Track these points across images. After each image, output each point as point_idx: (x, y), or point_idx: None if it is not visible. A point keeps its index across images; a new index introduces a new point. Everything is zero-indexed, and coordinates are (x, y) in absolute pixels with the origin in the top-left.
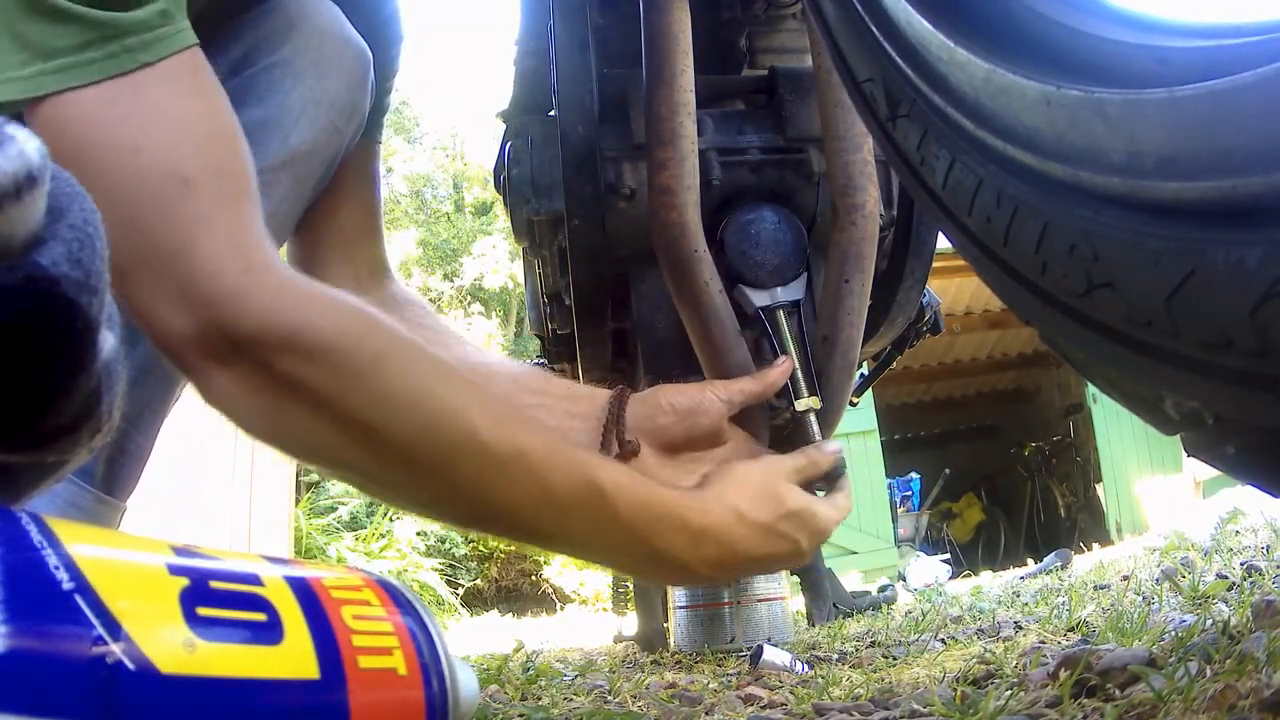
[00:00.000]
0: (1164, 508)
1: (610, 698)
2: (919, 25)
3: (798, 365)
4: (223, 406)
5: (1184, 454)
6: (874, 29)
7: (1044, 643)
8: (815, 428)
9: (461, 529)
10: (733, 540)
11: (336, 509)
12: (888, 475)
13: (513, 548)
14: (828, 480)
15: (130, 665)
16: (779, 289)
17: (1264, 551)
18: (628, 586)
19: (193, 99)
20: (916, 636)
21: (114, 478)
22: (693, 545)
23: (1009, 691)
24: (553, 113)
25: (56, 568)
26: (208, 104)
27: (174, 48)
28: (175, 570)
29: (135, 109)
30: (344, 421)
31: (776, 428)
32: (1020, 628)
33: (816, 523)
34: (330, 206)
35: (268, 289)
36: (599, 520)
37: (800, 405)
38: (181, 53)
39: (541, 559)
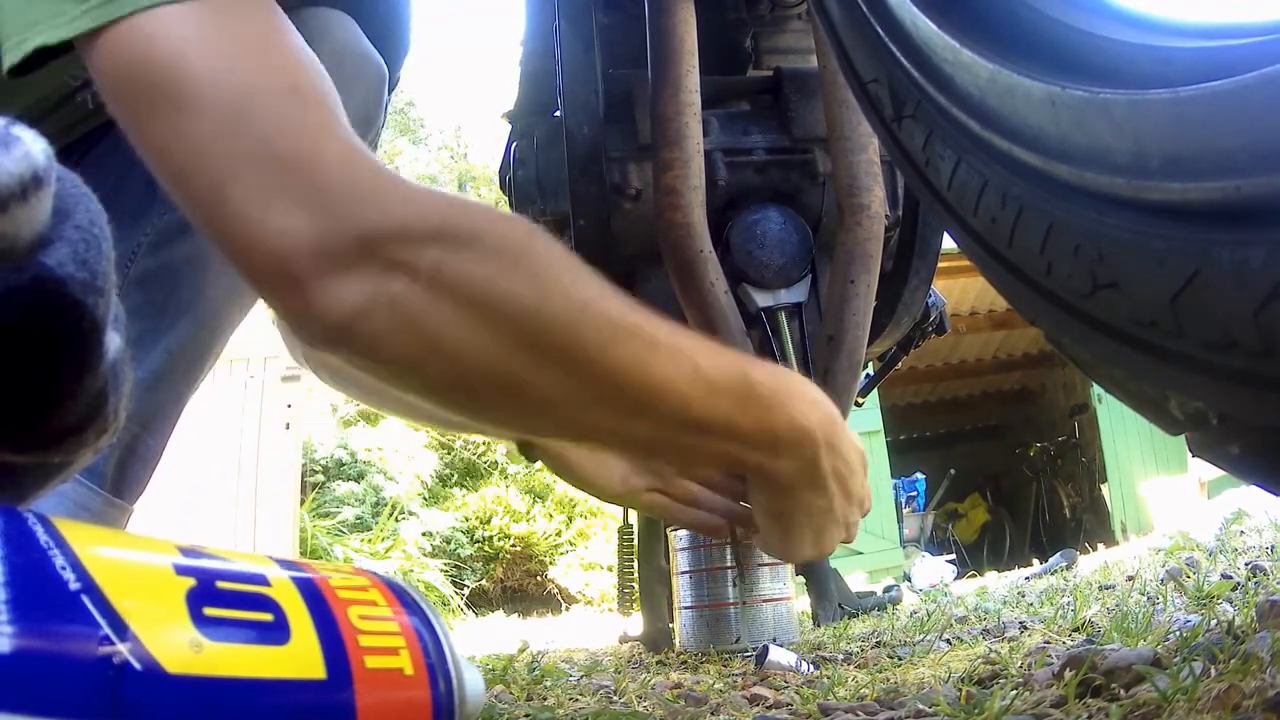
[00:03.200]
0: (1169, 508)
1: (616, 698)
2: (924, 26)
3: (797, 370)
4: (358, 328)
5: (1189, 454)
6: (879, 29)
7: (1049, 643)
8: None
9: (609, 440)
10: (839, 427)
11: (342, 510)
12: (893, 475)
13: (518, 548)
14: None
15: (137, 665)
16: (782, 290)
17: (1269, 551)
18: (633, 587)
19: (279, 22)
20: (922, 637)
21: (123, 480)
22: (819, 419)
23: (1014, 691)
24: (558, 113)
25: (63, 568)
26: (291, 32)
27: None
28: (182, 570)
29: (228, 22)
30: (502, 311)
31: None
32: (1025, 628)
33: (855, 480)
34: None
35: (405, 186)
36: (745, 399)
37: None
38: None
39: (546, 559)
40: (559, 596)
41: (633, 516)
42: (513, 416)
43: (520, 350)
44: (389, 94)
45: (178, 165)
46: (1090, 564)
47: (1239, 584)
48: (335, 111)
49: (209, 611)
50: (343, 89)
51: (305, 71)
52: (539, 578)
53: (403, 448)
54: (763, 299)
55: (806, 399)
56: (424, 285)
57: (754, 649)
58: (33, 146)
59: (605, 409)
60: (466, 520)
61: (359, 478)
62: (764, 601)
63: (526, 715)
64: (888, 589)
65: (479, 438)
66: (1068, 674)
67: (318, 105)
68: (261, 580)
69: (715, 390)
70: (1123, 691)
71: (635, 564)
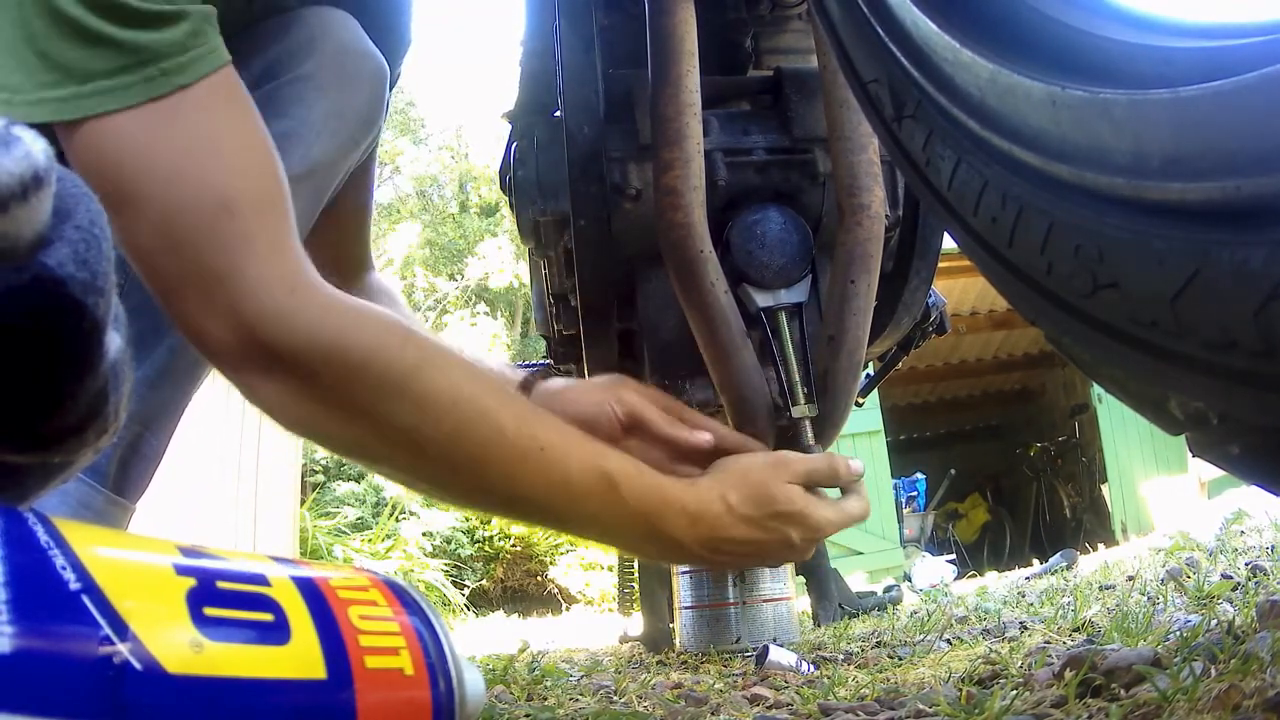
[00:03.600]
0: (1169, 508)
1: (616, 698)
2: (924, 26)
3: (796, 371)
4: (269, 412)
5: (1189, 454)
6: (879, 29)
7: (1049, 643)
8: (809, 435)
9: (489, 515)
10: (722, 526)
11: (342, 510)
12: (893, 475)
13: (518, 548)
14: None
15: (137, 665)
16: (783, 290)
17: (1269, 552)
18: (633, 587)
19: (229, 120)
20: (922, 637)
21: (126, 479)
22: (689, 526)
23: (1014, 691)
24: (558, 113)
25: (64, 568)
26: (243, 124)
27: (207, 69)
28: (182, 570)
29: (173, 133)
30: (385, 426)
31: (781, 429)
32: (1025, 628)
33: (809, 523)
34: (332, 214)
35: (313, 308)
36: (608, 505)
37: (796, 413)
38: (215, 73)
39: (547, 560)
40: (559, 597)
41: None
42: (405, 486)
43: (399, 451)
44: (390, 90)
45: (133, 258)
46: (1090, 564)
47: (1239, 584)
48: (267, 218)
49: (209, 611)
50: (345, 87)
51: (245, 177)
52: (539, 578)
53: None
54: (763, 299)
55: (678, 511)
56: (320, 397)
57: (754, 649)
58: (33, 146)
59: (481, 503)
60: (467, 520)
61: (359, 478)
62: (764, 601)
63: (527, 715)
64: (888, 589)
65: None
66: (1068, 674)
67: (250, 219)
68: (262, 580)
69: (578, 498)
70: (1123, 691)
71: (635, 564)
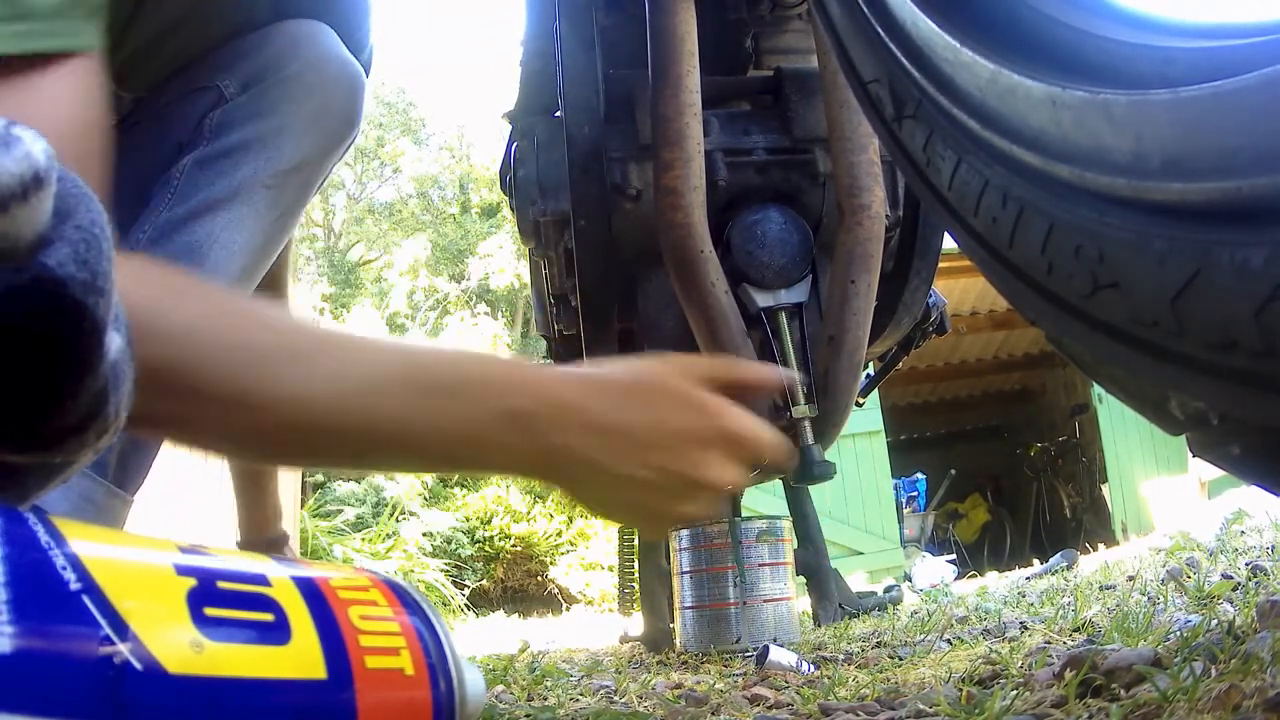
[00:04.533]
0: (1169, 508)
1: (616, 698)
2: (925, 26)
3: (796, 372)
4: None
5: (1189, 454)
6: (880, 30)
7: (1049, 643)
8: (810, 435)
9: (280, 462)
10: (582, 399)
11: (343, 510)
12: (893, 475)
13: (519, 548)
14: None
15: (137, 665)
16: (783, 290)
17: (1269, 552)
18: (633, 587)
19: (70, 95)
20: (922, 637)
21: (126, 471)
22: (534, 398)
23: (1014, 692)
24: (559, 114)
25: (64, 568)
26: (83, 105)
27: (67, 46)
28: (182, 570)
29: (10, 92)
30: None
31: (781, 429)
32: (1026, 628)
33: (709, 405)
34: None
35: None
36: (417, 392)
37: (796, 413)
38: (75, 55)
39: (547, 560)
40: (559, 597)
41: None
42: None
43: (157, 399)
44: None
45: None
46: (1091, 564)
47: (1239, 584)
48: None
49: (210, 611)
50: (329, 87)
51: (63, 142)
52: (539, 578)
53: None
54: (763, 299)
55: (515, 379)
56: None
57: (755, 649)
58: (33, 146)
59: (263, 441)
60: (467, 520)
61: (359, 478)
62: (765, 602)
63: (527, 715)
64: (888, 589)
65: None
66: (1068, 674)
67: None
68: (262, 580)
69: (374, 389)
70: (1123, 691)
71: (636, 564)
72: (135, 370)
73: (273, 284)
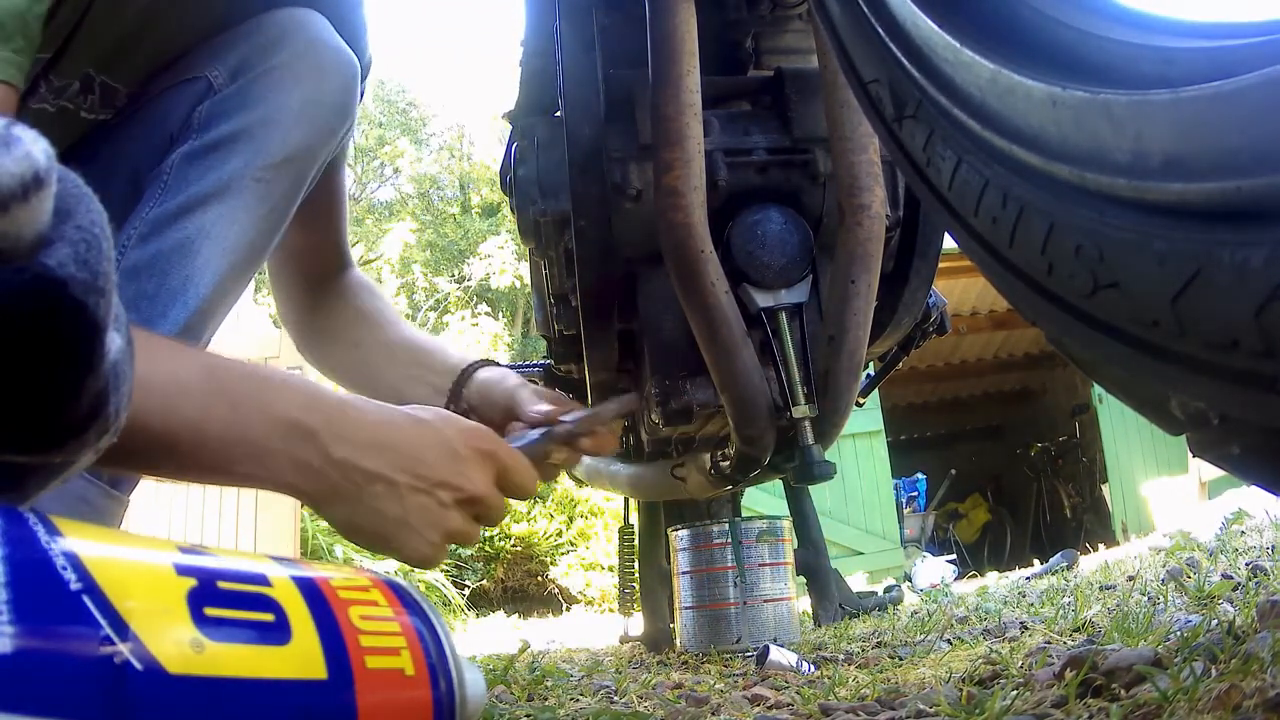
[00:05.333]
0: (1169, 508)
1: (617, 698)
2: (925, 26)
3: (796, 372)
4: None
5: (1189, 454)
6: (880, 29)
7: (1050, 643)
8: (809, 435)
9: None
10: (351, 414)
11: None
12: (894, 476)
13: (519, 548)
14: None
15: (138, 665)
16: (783, 291)
17: (1269, 552)
18: (634, 588)
19: None
20: (922, 637)
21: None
22: (310, 410)
23: (1015, 692)
24: (559, 114)
25: (64, 568)
26: None
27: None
28: (183, 570)
29: None
30: None
31: (781, 429)
32: (1026, 628)
33: (462, 427)
34: (307, 211)
35: None
36: (210, 393)
37: (796, 413)
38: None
39: (547, 560)
40: (560, 597)
41: (634, 517)
42: None
43: None
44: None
45: None
46: (1091, 564)
47: (1240, 584)
48: None
49: (210, 611)
50: (320, 76)
51: None
52: (540, 578)
53: None
54: (763, 299)
55: (296, 389)
56: None
57: (755, 649)
58: (33, 147)
59: None
60: None
61: None
62: (765, 602)
63: (527, 715)
64: (888, 589)
65: None
66: (1068, 674)
67: None
68: (262, 580)
69: (171, 398)
70: (1123, 691)
71: (636, 564)
72: None
73: (330, 256)
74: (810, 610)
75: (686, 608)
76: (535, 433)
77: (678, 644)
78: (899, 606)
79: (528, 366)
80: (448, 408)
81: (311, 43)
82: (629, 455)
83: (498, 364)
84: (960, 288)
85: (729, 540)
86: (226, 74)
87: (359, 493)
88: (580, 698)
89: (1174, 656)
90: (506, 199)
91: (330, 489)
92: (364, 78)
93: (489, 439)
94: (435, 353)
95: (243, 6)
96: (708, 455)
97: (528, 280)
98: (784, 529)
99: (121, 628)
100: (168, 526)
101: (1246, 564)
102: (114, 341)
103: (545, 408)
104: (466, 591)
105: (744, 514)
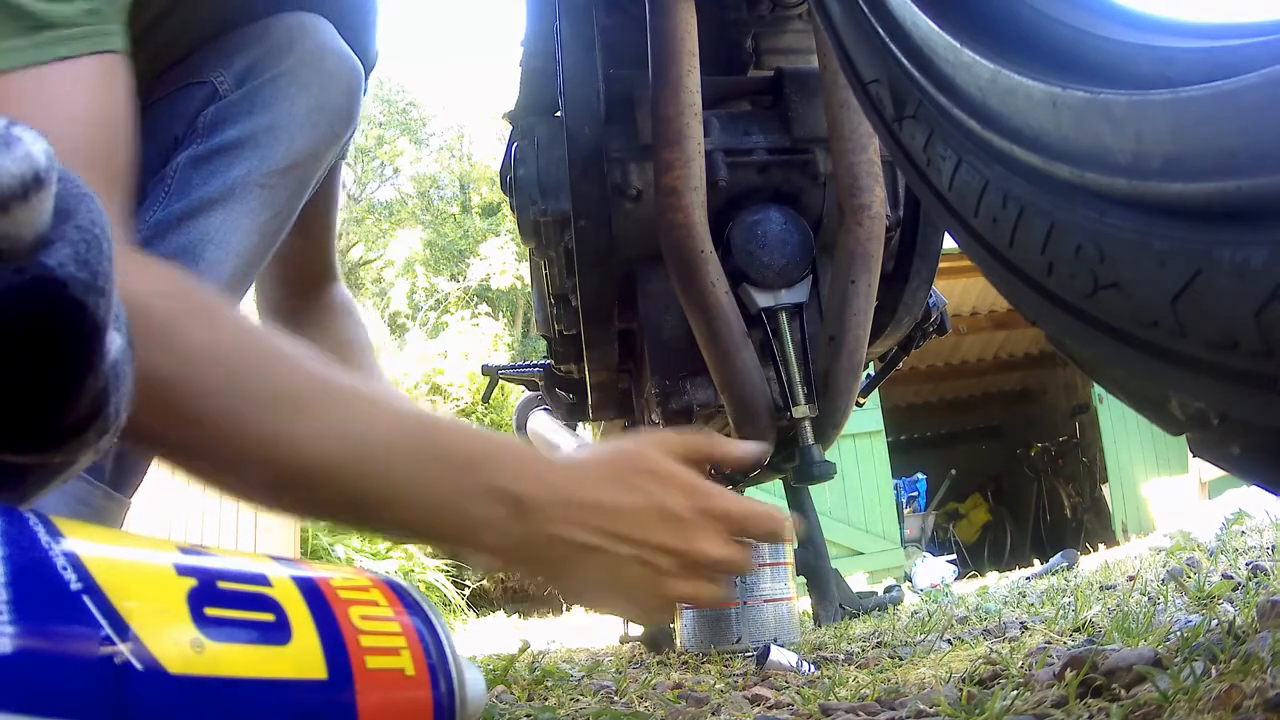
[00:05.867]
0: (1170, 508)
1: (617, 698)
2: (925, 26)
3: (797, 372)
4: None
5: (1190, 454)
6: (880, 30)
7: (1050, 643)
8: (809, 435)
9: (284, 510)
10: (580, 479)
11: None
12: (894, 476)
13: None
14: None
15: (138, 665)
16: (784, 290)
17: (1269, 552)
18: None
19: (96, 96)
20: (922, 637)
21: (122, 473)
22: (536, 478)
23: (1015, 692)
24: (559, 114)
25: (64, 568)
26: (109, 103)
27: (94, 48)
28: (183, 570)
29: (37, 98)
30: (148, 382)
31: (781, 429)
32: (1026, 628)
33: (696, 487)
34: (302, 217)
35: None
36: (427, 452)
37: (796, 413)
38: (101, 55)
39: None
40: (560, 597)
41: None
42: (204, 478)
43: (172, 421)
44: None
45: None
46: (1091, 564)
47: (1240, 584)
48: (91, 176)
49: (210, 612)
50: (325, 83)
51: (85, 144)
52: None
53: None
54: (764, 299)
55: (514, 457)
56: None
57: (755, 649)
58: (34, 146)
59: (266, 488)
60: None
61: None
62: (765, 602)
63: (528, 715)
64: (889, 589)
65: None
66: (1069, 674)
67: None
68: (262, 580)
69: (385, 449)
70: (1124, 692)
71: None
72: (141, 382)
73: (316, 267)
74: (810, 610)
75: (686, 608)
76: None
77: (678, 644)
78: (899, 607)
79: (528, 367)
80: None
81: (318, 49)
82: None
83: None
84: (960, 288)
85: None
86: (232, 79)
87: (565, 563)
88: (580, 698)
89: (1174, 656)
90: (506, 199)
91: (534, 558)
92: (368, 73)
93: (715, 495)
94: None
95: (249, 9)
96: None
97: (528, 280)
98: None
99: (122, 628)
100: (168, 527)
101: (1247, 564)
102: (114, 341)
103: None
104: (466, 591)
105: None
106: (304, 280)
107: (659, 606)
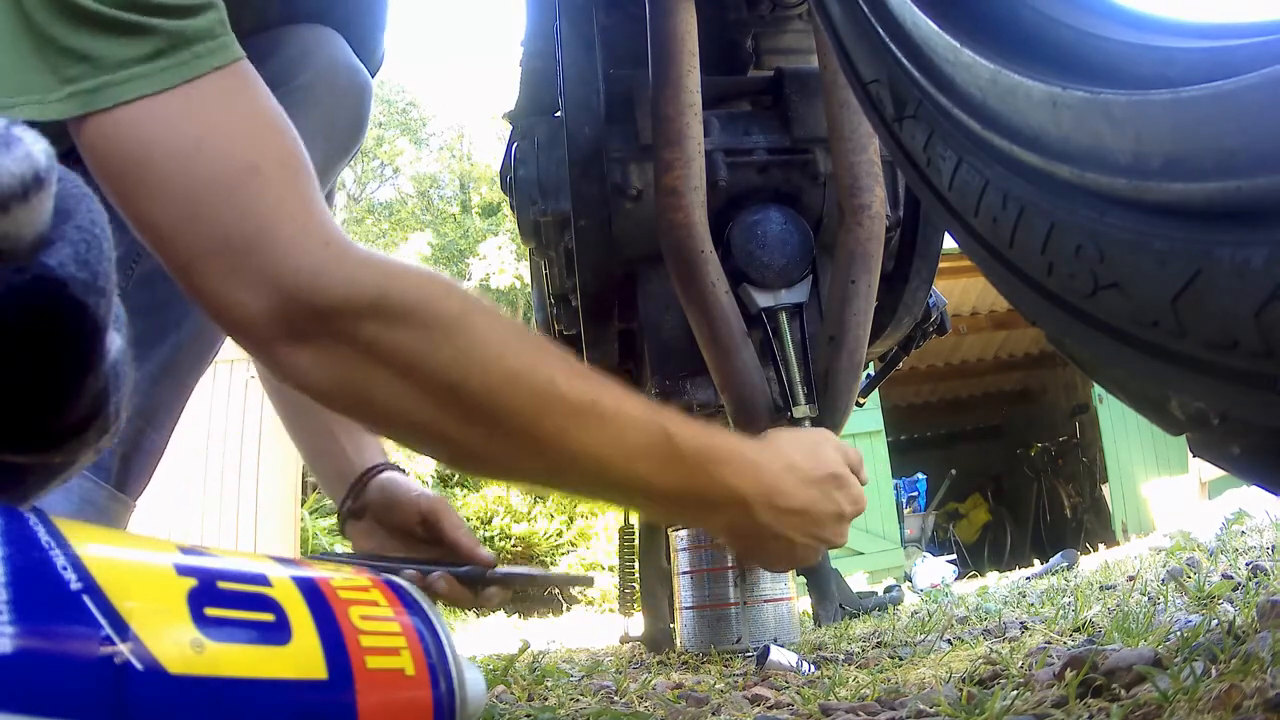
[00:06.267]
0: (1170, 508)
1: (617, 698)
2: (925, 26)
3: (797, 372)
4: (307, 384)
5: (1190, 454)
6: (880, 30)
7: (1050, 643)
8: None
9: (537, 487)
10: (784, 483)
11: None
12: (894, 476)
13: (519, 549)
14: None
15: (138, 665)
16: (784, 290)
17: (1269, 552)
18: (634, 588)
19: (251, 100)
20: (923, 637)
21: (128, 475)
22: (754, 480)
23: (1015, 692)
24: (559, 114)
25: (64, 568)
26: (264, 103)
27: (233, 56)
28: (183, 570)
29: (201, 112)
30: (428, 381)
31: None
32: (1026, 628)
33: (853, 490)
34: None
35: (350, 261)
36: (666, 460)
37: (796, 413)
38: (239, 61)
39: (548, 560)
40: (560, 597)
41: (634, 517)
42: (444, 460)
43: (443, 412)
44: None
45: (151, 241)
46: (1091, 564)
47: (1240, 584)
48: (295, 181)
49: (210, 611)
50: (337, 99)
51: (269, 144)
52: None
53: (403, 447)
54: (764, 299)
55: (740, 460)
56: (360, 355)
57: (755, 649)
58: (34, 147)
59: (526, 467)
60: (468, 520)
61: None
62: (765, 602)
63: (528, 715)
64: (889, 589)
65: None
66: (1069, 674)
67: (278, 181)
68: (262, 580)
69: (635, 455)
70: (1124, 692)
71: (636, 564)
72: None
73: None
74: (810, 610)
75: (687, 608)
76: (517, 569)
77: (678, 644)
78: (899, 607)
79: None
80: (344, 502)
81: (330, 64)
82: None
83: (400, 469)
84: (960, 288)
85: None
86: None
87: (766, 544)
88: (580, 698)
89: (1174, 656)
90: (506, 199)
91: (748, 542)
92: (374, 74)
93: (863, 502)
94: (352, 441)
95: (261, 19)
96: None
97: (528, 280)
98: None
99: (122, 628)
100: (168, 527)
101: (1247, 564)
102: (114, 341)
103: (483, 550)
104: None
105: None
106: None
107: (794, 565)
